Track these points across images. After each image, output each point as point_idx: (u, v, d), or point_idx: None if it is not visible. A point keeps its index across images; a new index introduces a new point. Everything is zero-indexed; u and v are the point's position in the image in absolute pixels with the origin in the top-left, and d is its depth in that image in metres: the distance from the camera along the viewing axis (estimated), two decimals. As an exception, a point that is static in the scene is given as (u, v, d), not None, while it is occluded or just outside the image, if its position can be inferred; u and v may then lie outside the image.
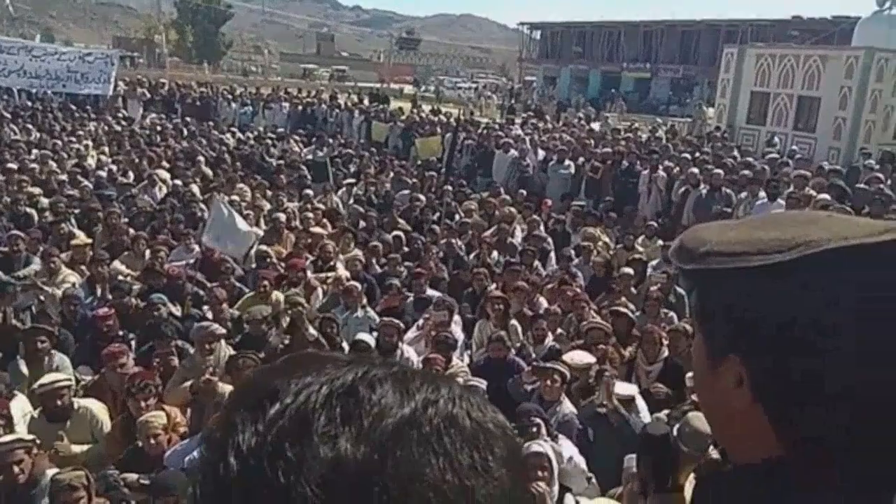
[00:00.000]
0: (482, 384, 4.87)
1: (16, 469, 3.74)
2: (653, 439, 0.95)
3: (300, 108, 20.70)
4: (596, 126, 21.63)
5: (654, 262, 8.45)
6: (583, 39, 44.22)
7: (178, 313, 6.44)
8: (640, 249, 8.88)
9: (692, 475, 0.96)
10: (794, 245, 0.70)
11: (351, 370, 0.51)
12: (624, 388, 4.99)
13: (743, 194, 10.13)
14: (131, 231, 8.42)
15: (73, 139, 14.08)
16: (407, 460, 0.46)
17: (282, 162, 13.56)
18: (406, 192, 11.48)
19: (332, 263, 7.95)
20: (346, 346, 5.78)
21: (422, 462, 0.46)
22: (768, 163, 12.77)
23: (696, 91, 36.23)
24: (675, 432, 0.93)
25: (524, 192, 11.64)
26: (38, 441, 3.95)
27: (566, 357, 5.45)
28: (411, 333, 6.27)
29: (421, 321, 6.46)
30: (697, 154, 13.47)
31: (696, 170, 10.89)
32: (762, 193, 9.83)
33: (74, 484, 3.56)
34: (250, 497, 0.44)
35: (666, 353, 5.71)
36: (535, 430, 4.33)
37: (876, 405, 0.67)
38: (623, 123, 23.40)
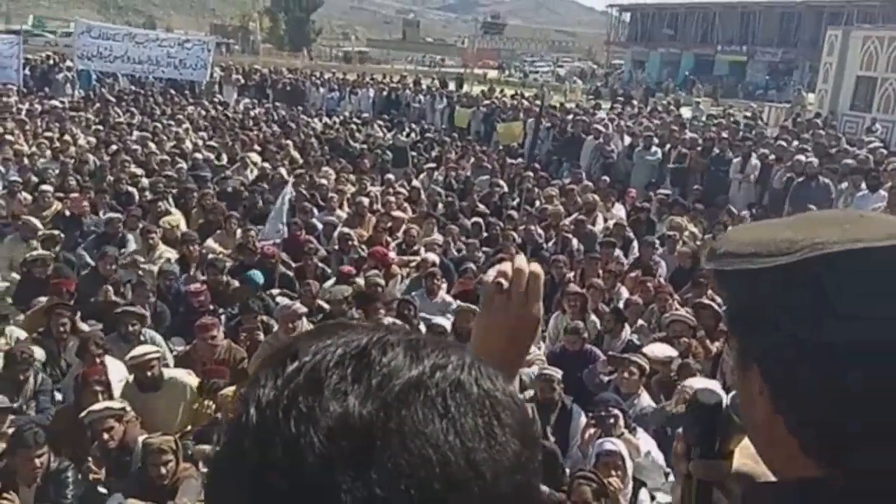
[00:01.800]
0: (558, 373, 4.83)
1: (105, 436, 3.99)
2: (703, 408, 0.92)
3: (385, 93, 20.96)
4: (686, 112, 20.87)
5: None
6: (675, 21, 42.68)
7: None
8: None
9: (745, 441, 0.94)
10: (801, 247, 0.66)
11: (367, 335, 0.53)
12: (700, 384, 4.83)
13: (843, 185, 9.55)
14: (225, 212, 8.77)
15: (172, 122, 14.79)
16: (411, 419, 0.48)
17: (365, 146, 13.80)
18: (486, 177, 11.45)
19: (415, 248, 8.06)
20: (423, 328, 5.84)
21: (425, 422, 0.48)
22: (870, 151, 11.98)
23: (796, 75, 34.35)
24: (728, 401, 0.90)
25: (607, 179, 11.38)
26: (128, 409, 4.19)
27: (646, 349, 5.32)
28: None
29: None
30: (796, 142, 12.78)
31: (802, 157, 10.29)
32: (864, 185, 9.25)
33: (164, 448, 3.78)
34: (264, 445, 0.48)
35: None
36: (612, 420, 4.26)
37: (882, 414, 0.64)
38: (715, 109, 22.47)
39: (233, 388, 4.58)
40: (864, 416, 0.65)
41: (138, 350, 4.74)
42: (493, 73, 41.37)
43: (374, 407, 0.48)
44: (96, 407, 4.06)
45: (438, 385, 0.50)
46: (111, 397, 4.31)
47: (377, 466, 0.46)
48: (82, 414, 4.05)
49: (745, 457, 0.93)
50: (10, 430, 4.04)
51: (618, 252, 7.98)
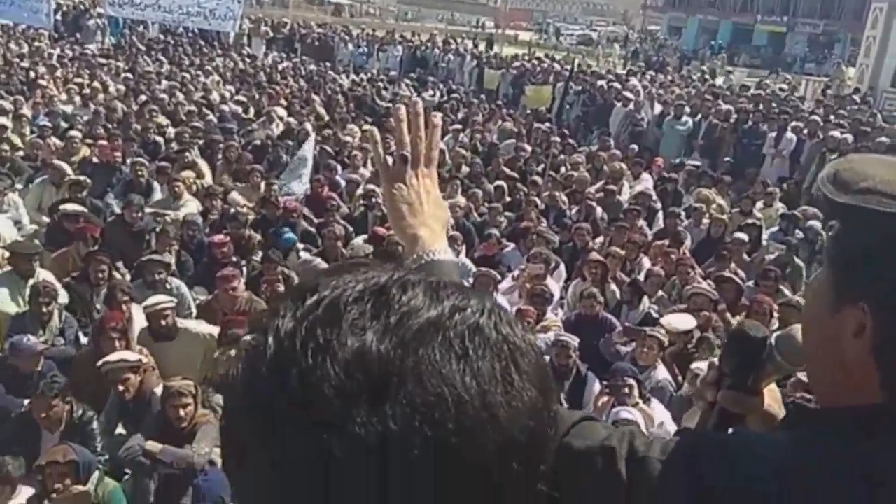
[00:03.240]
0: (574, 340, 4.82)
1: (121, 387, 4.06)
2: (748, 339, 0.92)
3: (413, 51, 20.70)
4: (720, 81, 20.38)
5: (771, 230, 7.97)
6: (715, -13, 41.35)
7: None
8: (758, 215, 8.38)
9: (773, 386, 0.94)
10: None
11: (388, 274, 0.53)
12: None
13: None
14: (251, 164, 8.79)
15: (201, 73, 14.76)
16: (428, 358, 0.48)
17: (392, 105, 13.66)
18: (511, 141, 11.31)
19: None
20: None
21: (442, 362, 0.48)
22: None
23: (837, 48, 33.29)
24: (773, 340, 0.89)
25: (636, 148, 11.19)
26: (144, 360, 4.23)
27: (664, 321, 5.28)
28: (506, 284, 6.25)
29: (517, 272, 6.43)
30: (832, 117, 12.44)
31: (836, 133, 10.02)
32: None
33: (183, 391, 3.85)
34: (281, 374, 0.48)
35: (776, 327, 5.42)
36: (626, 390, 4.26)
37: None
38: (750, 80, 21.89)
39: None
40: None
41: (153, 299, 4.79)
42: (524, 35, 40.60)
43: (392, 344, 0.48)
44: (112, 357, 4.11)
45: (457, 327, 0.50)
46: (129, 344, 4.37)
47: (392, 402, 0.46)
48: (99, 363, 4.11)
49: (772, 400, 0.94)
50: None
51: (642, 222, 7.89)
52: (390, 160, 1.08)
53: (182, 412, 3.84)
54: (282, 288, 5.60)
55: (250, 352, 0.51)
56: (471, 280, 5.99)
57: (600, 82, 15.20)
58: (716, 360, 0.99)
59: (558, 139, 11.09)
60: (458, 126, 12.34)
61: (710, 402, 0.94)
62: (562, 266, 6.71)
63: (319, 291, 0.52)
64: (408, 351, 0.48)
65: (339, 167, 9.12)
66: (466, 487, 0.48)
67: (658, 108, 13.01)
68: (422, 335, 0.49)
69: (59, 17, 19.94)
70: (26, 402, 4.02)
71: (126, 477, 3.84)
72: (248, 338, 0.54)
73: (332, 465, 0.46)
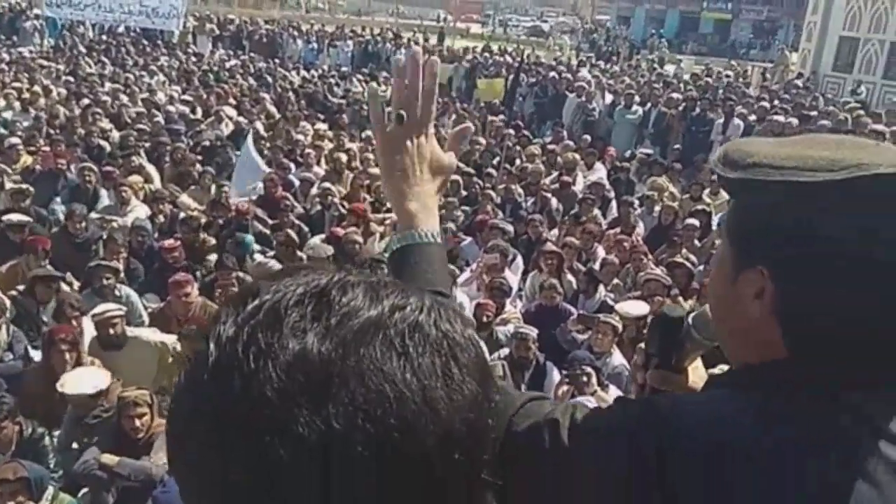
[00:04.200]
0: (533, 332, 4.87)
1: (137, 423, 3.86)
2: (667, 319, 0.99)
3: (364, 46, 20.54)
4: (670, 69, 20.73)
5: (720, 215, 8.16)
6: (661, -23, 41.97)
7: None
8: (707, 201, 8.58)
9: (697, 362, 1.02)
10: (846, 166, 0.70)
11: (328, 276, 0.54)
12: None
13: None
14: (198, 166, 8.63)
15: (145, 74, 14.40)
16: (368, 357, 0.49)
17: (344, 101, 13.56)
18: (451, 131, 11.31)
19: (388, 206, 7.97)
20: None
21: (383, 360, 0.49)
22: (848, 112, 12.03)
23: (780, 34, 34.18)
24: (689, 319, 0.96)
25: (588, 138, 11.33)
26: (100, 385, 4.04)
27: (618, 307, 5.38)
28: (464, 276, 6.28)
29: (474, 265, 6.46)
30: (776, 102, 12.79)
31: (780, 118, 10.31)
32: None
33: (139, 401, 3.77)
34: (223, 379, 0.49)
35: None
36: (585, 378, 4.33)
37: (885, 323, 0.71)
38: (698, 67, 22.32)
39: None
40: (872, 325, 0.71)
41: (100, 308, 4.66)
42: (475, 28, 40.62)
43: (333, 345, 0.48)
44: (71, 392, 3.92)
45: (397, 325, 0.51)
46: (80, 357, 4.25)
47: (335, 401, 0.47)
48: (61, 388, 3.94)
49: (697, 377, 0.99)
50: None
51: (596, 211, 8.00)
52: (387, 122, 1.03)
53: (138, 422, 3.76)
54: (237, 292, 5.53)
55: (193, 359, 0.52)
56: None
57: (552, 73, 15.33)
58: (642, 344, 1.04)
59: (512, 132, 11.15)
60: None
61: (640, 385, 1.00)
62: (519, 258, 6.76)
63: (260, 296, 0.52)
64: (349, 351, 0.48)
65: (292, 166, 9.02)
66: (409, 482, 0.49)
67: (609, 97, 13.19)
68: (362, 335, 0.49)
69: (-7, 18, 19.25)
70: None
71: (82, 492, 3.74)
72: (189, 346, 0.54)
73: (276, 467, 0.47)
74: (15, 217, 6.23)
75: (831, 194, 0.70)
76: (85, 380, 3.99)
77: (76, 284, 5.72)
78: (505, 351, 4.95)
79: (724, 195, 8.58)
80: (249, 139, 8.16)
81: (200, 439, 0.49)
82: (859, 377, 0.72)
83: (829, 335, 0.73)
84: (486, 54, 19.37)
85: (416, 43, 21.16)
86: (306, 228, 7.23)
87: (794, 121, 10.17)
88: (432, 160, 1.05)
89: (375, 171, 8.99)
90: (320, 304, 0.51)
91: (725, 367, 0.85)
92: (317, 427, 0.46)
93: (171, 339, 4.72)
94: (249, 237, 6.56)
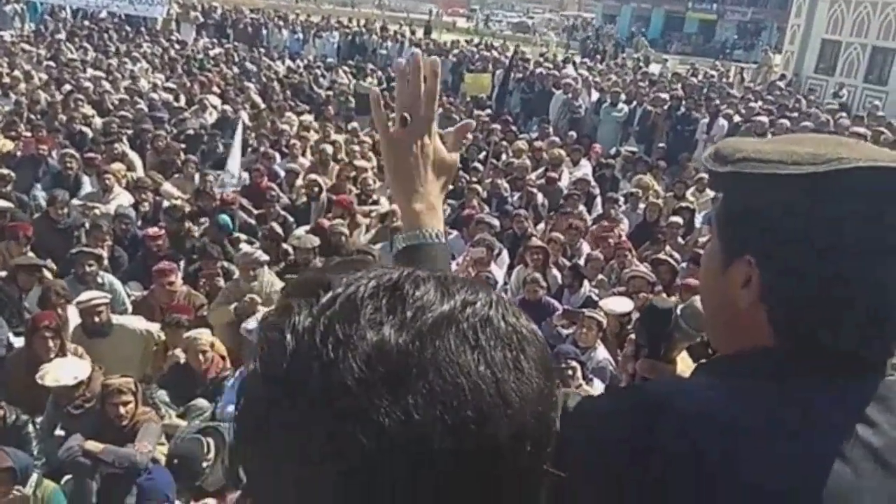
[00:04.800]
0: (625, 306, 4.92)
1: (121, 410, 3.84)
2: (656, 311, 1.03)
3: (350, 37, 20.44)
4: (655, 68, 20.85)
5: (704, 212, 8.25)
6: (647, -24, 42.16)
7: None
8: (691, 199, 8.66)
9: (684, 353, 1.06)
10: (827, 160, 0.75)
11: (398, 270, 0.55)
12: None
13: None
14: (181, 154, 8.55)
15: (128, 60, 14.22)
16: (444, 350, 0.50)
17: (330, 93, 13.50)
18: (452, 129, 11.30)
19: (375, 198, 7.97)
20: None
21: (458, 353, 0.50)
22: (830, 114, 12.20)
23: (764, 36, 34.54)
24: (678, 311, 1.01)
25: (574, 135, 11.38)
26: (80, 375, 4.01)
27: (602, 303, 5.43)
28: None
29: (460, 259, 6.48)
30: (760, 102, 12.93)
31: (765, 118, 10.43)
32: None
33: (123, 389, 3.75)
34: (303, 369, 0.50)
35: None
36: (570, 372, 4.36)
37: (873, 310, 0.76)
38: (682, 67, 22.50)
39: (203, 332, 4.53)
40: (854, 307, 0.75)
41: (85, 295, 4.62)
42: (462, 22, 40.57)
43: (409, 337, 0.50)
44: (52, 384, 3.89)
45: (469, 319, 0.52)
46: (63, 344, 4.21)
47: (413, 392, 0.48)
48: (41, 380, 3.90)
49: (685, 367, 1.04)
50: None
51: (581, 208, 8.05)
52: (391, 125, 1.05)
53: (122, 410, 3.74)
54: (222, 282, 5.49)
55: (266, 349, 0.52)
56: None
57: (539, 70, 15.36)
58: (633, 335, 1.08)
59: (499, 126, 11.16)
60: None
61: (630, 374, 1.04)
62: (504, 252, 6.79)
63: (333, 288, 0.53)
64: (425, 343, 0.50)
65: (277, 156, 8.97)
66: (486, 472, 0.50)
67: (595, 95, 13.25)
68: (437, 328, 0.51)
69: (-28, 1, 18.88)
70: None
71: (66, 478, 3.72)
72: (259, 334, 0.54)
73: (357, 455, 0.48)
74: (-5, 202, 6.15)
75: (814, 186, 0.75)
76: (65, 370, 3.95)
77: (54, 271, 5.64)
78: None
79: (709, 193, 8.72)
80: (239, 129, 8.09)
81: (279, 429, 0.50)
82: (843, 363, 0.76)
83: (814, 322, 0.76)
84: (473, 48, 19.36)
85: (403, 35, 21.11)
86: (291, 219, 7.21)
87: (784, 121, 10.29)
88: (436, 160, 1.07)
89: (361, 162, 8.98)
90: (394, 298, 0.52)
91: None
92: (397, 417, 0.47)
93: (155, 328, 4.69)
94: (225, 217, 6.48)
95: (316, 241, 6.17)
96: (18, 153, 8.00)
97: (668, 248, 6.89)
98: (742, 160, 0.79)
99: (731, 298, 0.81)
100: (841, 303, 0.76)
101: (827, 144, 0.78)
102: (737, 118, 11.06)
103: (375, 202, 7.91)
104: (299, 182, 8.21)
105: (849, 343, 0.76)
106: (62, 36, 16.60)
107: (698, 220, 8.11)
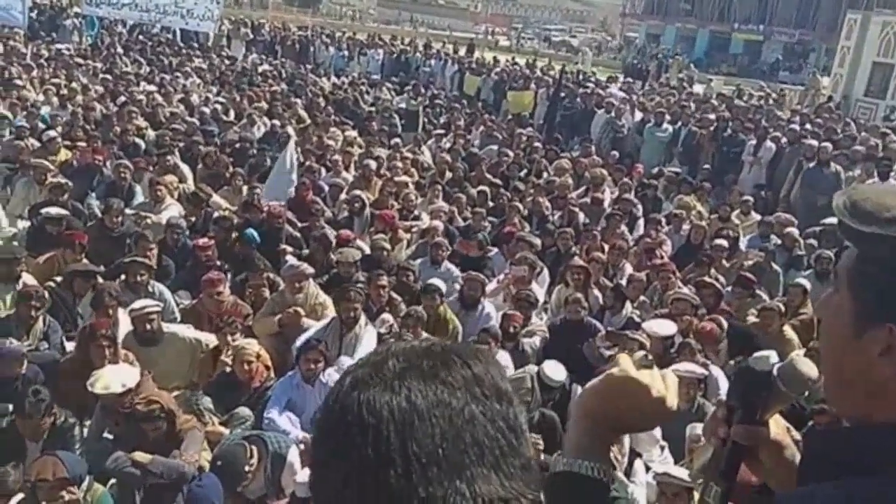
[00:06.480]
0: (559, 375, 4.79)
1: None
2: (754, 374, 0.97)
3: (394, 55, 20.70)
4: (699, 89, 20.62)
5: (748, 237, 8.11)
6: (692, -5, 41.83)
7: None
8: (736, 222, 8.53)
9: (778, 416, 1.01)
10: None
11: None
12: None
13: (856, 172, 9.49)
14: (230, 167, 8.73)
15: (180, 74, 14.64)
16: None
17: (374, 109, 13.68)
18: (494, 147, 11.37)
19: (416, 213, 8.03)
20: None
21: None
22: (881, 138, 11.90)
23: (812, 58, 33.90)
24: (775, 371, 0.95)
25: (616, 154, 11.31)
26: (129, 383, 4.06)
27: (646, 325, 5.36)
28: (491, 286, 6.30)
29: (501, 276, 6.48)
30: (807, 125, 12.68)
31: (813, 142, 10.17)
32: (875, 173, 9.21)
33: (150, 416, 3.74)
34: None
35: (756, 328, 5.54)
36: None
37: None
38: (727, 88, 22.19)
39: (250, 342, 4.61)
40: None
41: (138, 303, 4.74)
42: (504, 41, 40.78)
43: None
44: (101, 391, 3.96)
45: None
46: (117, 352, 4.31)
47: None
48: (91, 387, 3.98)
49: (779, 429, 0.98)
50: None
51: (623, 228, 7.98)
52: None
53: (153, 435, 3.71)
54: (267, 293, 5.59)
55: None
56: (458, 284, 6.02)
57: (581, 89, 15.33)
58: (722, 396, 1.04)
59: (540, 145, 11.15)
60: (441, 131, 12.37)
61: (721, 439, 0.98)
62: (545, 271, 6.77)
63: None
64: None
65: (321, 171, 9.11)
66: None
67: (638, 115, 13.16)
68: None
69: (34, 15, 19.65)
70: (10, 406, 3.96)
71: (111, 482, 3.80)
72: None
73: None
74: (53, 210, 6.36)
75: None
76: (114, 378, 4.01)
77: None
78: (533, 368, 4.92)
79: (755, 216, 8.54)
80: (291, 144, 8.23)
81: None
82: None
83: None
84: (515, 66, 19.43)
85: (446, 53, 21.27)
86: (334, 233, 7.29)
87: (829, 145, 10.06)
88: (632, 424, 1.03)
89: (403, 178, 9.06)
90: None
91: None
92: None
93: (204, 337, 4.79)
94: (251, 231, 6.48)
95: (358, 254, 6.23)
96: (75, 163, 8.28)
97: (712, 271, 6.78)
98: (892, 221, 0.74)
99: (867, 366, 0.77)
100: None
101: None
102: (784, 140, 10.85)
103: (416, 217, 7.96)
104: (343, 196, 8.32)
105: None
106: (118, 50, 17.17)
107: (743, 243, 7.97)
